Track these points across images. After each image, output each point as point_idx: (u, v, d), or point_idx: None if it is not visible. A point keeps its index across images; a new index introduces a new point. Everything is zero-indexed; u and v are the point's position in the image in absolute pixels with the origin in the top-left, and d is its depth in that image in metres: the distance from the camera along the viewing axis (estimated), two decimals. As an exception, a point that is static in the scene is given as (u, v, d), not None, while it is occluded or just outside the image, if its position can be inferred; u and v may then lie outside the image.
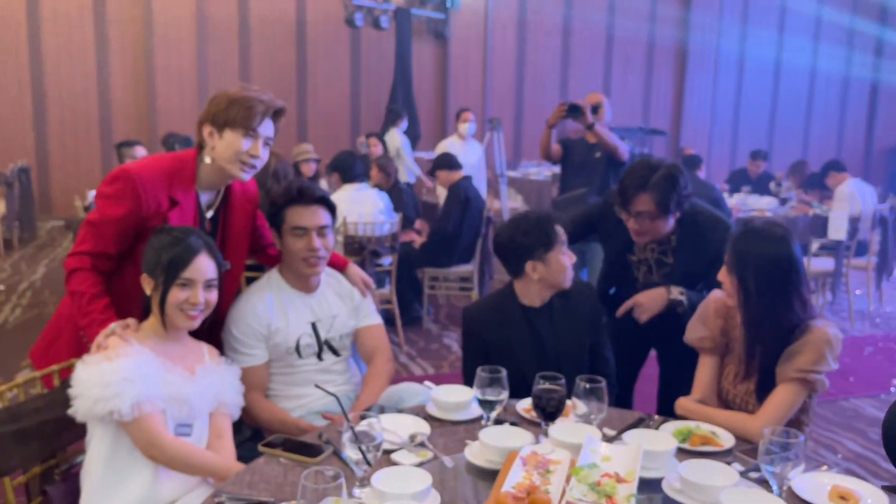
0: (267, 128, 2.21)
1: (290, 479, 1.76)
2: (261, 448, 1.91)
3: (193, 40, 9.64)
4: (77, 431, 1.98)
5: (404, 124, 8.57)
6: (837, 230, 6.10)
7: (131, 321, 2.04)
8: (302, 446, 1.93)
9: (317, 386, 2.22)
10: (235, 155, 2.16)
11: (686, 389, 3.31)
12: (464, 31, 10.78)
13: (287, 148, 5.60)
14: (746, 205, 7.15)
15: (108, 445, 1.92)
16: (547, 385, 1.89)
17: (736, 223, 6.36)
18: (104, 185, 2.17)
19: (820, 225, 6.50)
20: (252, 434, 2.49)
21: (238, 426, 2.27)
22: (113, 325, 2.00)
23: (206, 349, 2.16)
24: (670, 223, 2.69)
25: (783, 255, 2.14)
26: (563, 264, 2.46)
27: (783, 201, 7.53)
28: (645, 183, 2.58)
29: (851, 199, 6.49)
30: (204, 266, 2.01)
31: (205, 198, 2.31)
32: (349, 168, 5.19)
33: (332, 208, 2.46)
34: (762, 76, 12.54)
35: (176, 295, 1.98)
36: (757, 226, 2.23)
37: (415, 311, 5.69)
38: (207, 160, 2.22)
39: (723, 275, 2.21)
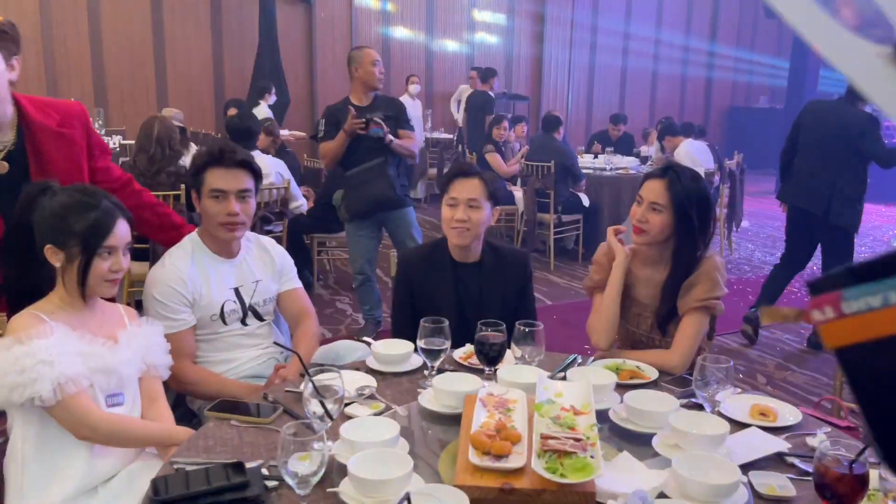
0: None
1: (247, 440, 1.74)
2: (207, 412, 1.87)
3: (36, 2, 8.87)
4: None
5: (272, 98, 8.50)
6: None
7: None
8: (249, 407, 1.90)
9: (276, 343, 2.18)
10: None
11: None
12: (328, -5, 10.55)
13: (146, 115, 5.19)
14: (611, 163, 7.55)
15: (34, 431, 1.80)
16: (489, 332, 1.96)
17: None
18: None
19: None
20: (175, 400, 2.41)
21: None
22: None
23: (122, 310, 2.05)
24: None
25: (708, 193, 2.34)
26: (444, 215, 2.52)
27: (644, 160, 8.01)
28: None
29: (689, 158, 7.01)
30: (124, 230, 1.91)
31: None
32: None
33: (255, 173, 2.39)
34: (613, 48, 13.29)
35: (100, 266, 1.86)
36: (683, 168, 2.39)
37: (305, 277, 5.61)
38: None
39: (644, 214, 2.31)
